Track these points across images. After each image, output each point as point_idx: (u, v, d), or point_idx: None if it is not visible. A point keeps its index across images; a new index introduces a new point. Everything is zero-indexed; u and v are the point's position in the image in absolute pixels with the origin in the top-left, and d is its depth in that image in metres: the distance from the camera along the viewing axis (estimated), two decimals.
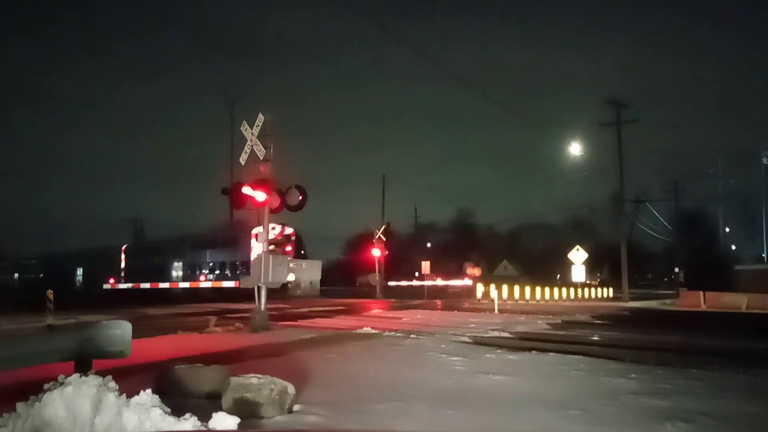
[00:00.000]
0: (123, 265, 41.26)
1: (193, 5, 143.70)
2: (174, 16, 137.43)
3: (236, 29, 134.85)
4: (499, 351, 10.57)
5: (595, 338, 14.13)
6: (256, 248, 31.67)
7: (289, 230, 33.58)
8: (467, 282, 47.68)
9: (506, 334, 14.09)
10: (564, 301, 33.59)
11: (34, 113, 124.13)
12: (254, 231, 31.09)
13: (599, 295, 37.65)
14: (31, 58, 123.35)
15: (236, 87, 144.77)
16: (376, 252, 37.60)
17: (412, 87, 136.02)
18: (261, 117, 14.90)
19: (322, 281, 50.57)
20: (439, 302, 30.24)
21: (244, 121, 15.20)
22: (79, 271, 45.74)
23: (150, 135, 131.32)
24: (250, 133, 14.94)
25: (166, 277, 37.66)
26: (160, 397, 4.95)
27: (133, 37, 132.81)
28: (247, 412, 5.44)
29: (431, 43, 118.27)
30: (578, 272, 33.84)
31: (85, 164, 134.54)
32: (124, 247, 42.35)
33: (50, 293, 16.28)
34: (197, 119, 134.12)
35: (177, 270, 38.26)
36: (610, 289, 39.85)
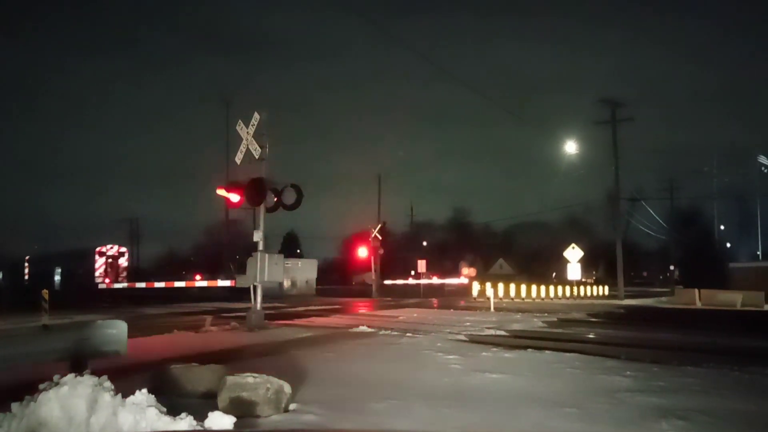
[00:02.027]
0: (27, 271, 49.98)
1: (192, 5, 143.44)
2: (173, 16, 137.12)
3: (235, 29, 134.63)
4: (495, 349, 10.58)
5: (590, 336, 14.17)
6: (99, 261, 43.00)
7: (123, 249, 45.43)
8: (463, 280, 47.71)
9: (502, 332, 14.11)
10: (560, 299, 33.65)
11: (32, 113, 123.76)
12: (98, 249, 43.18)
13: (595, 293, 37.74)
14: (29, 58, 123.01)
15: (233, 86, 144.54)
16: (371, 251, 37.60)
17: (408, 85, 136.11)
18: (256, 116, 14.88)
19: (318, 280, 51.29)
20: (435, 301, 30.28)
21: (240, 120, 15.19)
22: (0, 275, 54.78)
23: (147, 134, 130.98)
24: (246, 132, 14.92)
25: (51, 282, 44.08)
26: (155, 396, 4.94)
27: (130, 37, 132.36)
28: (243, 411, 5.43)
29: (427, 40, 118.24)
30: (574, 270, 33.90)
31: (81, 163, 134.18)
32: (27, 258, 51.13)
33: (45, 293, 16.22)
34: (195, 118, 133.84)
35: (57, 275, 46.01)
36: (606, 287, 39.94)
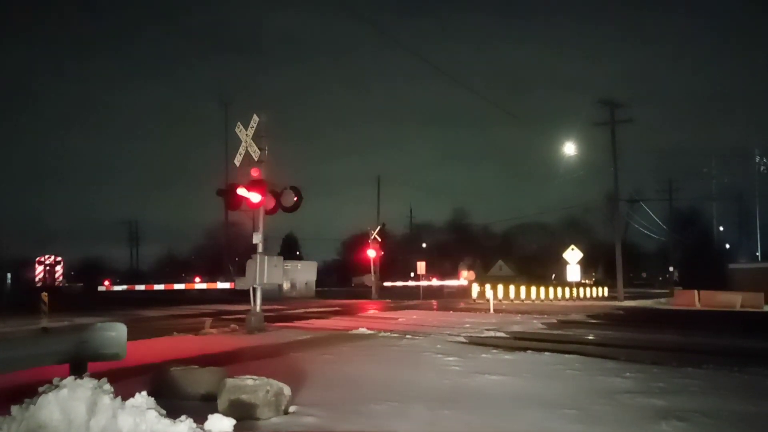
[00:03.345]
0: None
1: (191, 5, 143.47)
2: (172, 16, 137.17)
3: (235, 30, 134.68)
4: (494, 351, 10.58)
5: (590, 337, 14.16)
6: (38, 269, 51.31)
7: (59, 258, 53.73)
8: (463, 282, 47.74)
9: (502, 334, 14.10)
10: (559, 300, 33.65)
11: (30, 114, 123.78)
12: (37, 258, 52.20)
13: (594, 295, 37.73)
14: (27, 58, 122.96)
15: (233, 87, 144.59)
16: (371, 253, 37.60)
17: (407, 87, 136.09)
18: (255, 118, 14.87)
19: (318, 282, 51.58)
20: (434, 302, 30.26)
21: (239, 123, 15.18)
22: None
23: (146, 136, 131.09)
24: (245, 134, 14.91)
25: (4, 285, 49.90)
26: (155, 399, 4.93)
27: (129, 37, 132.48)
28: (242, 413, 5.43)
29: (427, 41, 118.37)
30: (573, 272, 33.91)
31: (80, 165, 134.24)
32: None
33: (44, 296, 16.22)
34: (194, 120, 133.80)
35: (9, 280, 51.65)
36: (605, 289, 39.94)
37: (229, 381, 5.73)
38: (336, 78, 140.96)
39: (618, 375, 7.97)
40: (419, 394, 6.74)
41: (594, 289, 39.26)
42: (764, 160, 48.13)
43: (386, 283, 48.68)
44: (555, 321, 18.31)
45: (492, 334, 14.17)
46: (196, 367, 6.76)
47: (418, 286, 39.85)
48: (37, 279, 51.91)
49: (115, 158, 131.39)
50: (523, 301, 32.00)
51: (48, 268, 53.17)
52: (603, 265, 59.72)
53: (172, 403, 5.26)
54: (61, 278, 54.28)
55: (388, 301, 32.79)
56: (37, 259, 53.21)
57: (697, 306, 27.91)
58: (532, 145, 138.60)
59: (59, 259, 55.03)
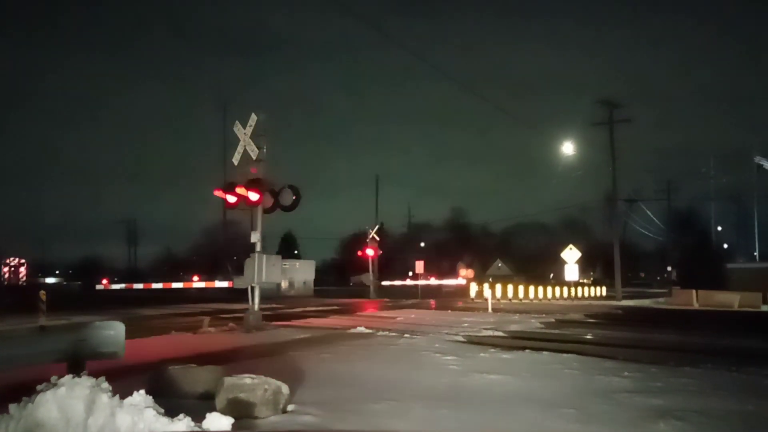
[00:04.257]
0: None
1: (191, 5, 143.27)
2: (172, 17, 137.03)
3: (235, 30, 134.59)
4: (492, 350, 10.58)
5: (588, 337, 14.17)
6: (4, 269, 56.56)
7: (23, 260, 61.02)
8: (461, 281, 47.75)
9: (500, 333, 14.11)
10: (557, 300, 33.65)
11: (30, 114, 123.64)
12: (4, 260, 56.87)
13: (592, 294, 37.74)
14: (26, 58, 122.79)
15: (232, 87, 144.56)
16: (369, 252, 37.58)
17: (406, 87, 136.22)
18: (254, 117, 14.86)
19: (316, 281, 51.62)
20: (432, 302, 30.24)
21: (237, 122, 15.17)
22: None
23: (146, 135, 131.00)
24: (243, 133, 14.91)
25: None
26: (153, 397, 4.92)
27: (129, 37, 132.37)
28: (241, 412, 5.43)
29: (426, 41, 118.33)
30: (571, 271, 33.94)
31: (79, 164, 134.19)
32: None
33: (43, 294, 16.18)
34: (194, 119, 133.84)
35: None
36: (604, 288, 39.96)
37: (228, 380, 5.73)
38: (335, 78, 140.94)
39: (616, 374, 7.97)
40: (417, 393, 6.74)
41: (592, 288, 39.28)
42: (763, 161, 48.06)
43: (384, 282, 48.61)
44: (553, 320, 18.32)
45: (490, 333, 14.18)
46: (194, 365, 6.75)
47: (416, 286, 39.88)
48: (3, 279, 57.47)
49: (115, 157, 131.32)
50: (521, 300, 32.00)
51: (12, 269, 59.57)
52: (601, 264, 59.83)
53: (170, 402, 5.24)
54: (24, 278, 60.44)
55: (386, 300, 32.77)
56: (4, 261, 58.91)
57: (695, 306, 27.95)
58: (531, 145, 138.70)
59: (23, 261, 62.50)
